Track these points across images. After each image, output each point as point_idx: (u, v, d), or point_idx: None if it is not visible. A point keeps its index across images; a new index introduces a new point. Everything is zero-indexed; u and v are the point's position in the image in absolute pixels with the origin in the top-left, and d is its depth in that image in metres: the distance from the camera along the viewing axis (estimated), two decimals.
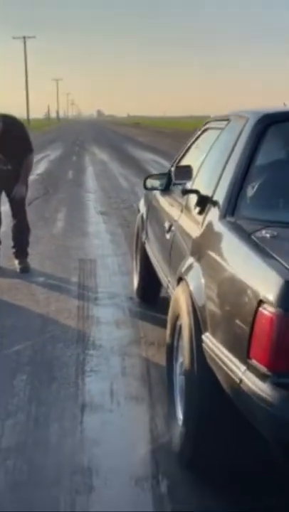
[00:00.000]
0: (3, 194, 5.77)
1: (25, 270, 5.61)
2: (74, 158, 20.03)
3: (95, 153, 21.52)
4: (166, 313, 3.03)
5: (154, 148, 25.14)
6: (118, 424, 2.91)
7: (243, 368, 1.93)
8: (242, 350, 1.94)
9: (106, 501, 2.32)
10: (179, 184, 3.26)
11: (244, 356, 1.93)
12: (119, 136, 39.59)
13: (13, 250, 5.77)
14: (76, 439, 2.75)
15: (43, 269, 5.69)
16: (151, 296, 4.64)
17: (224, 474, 2.42)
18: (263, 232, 2.22)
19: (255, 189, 2.56)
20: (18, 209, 5.72)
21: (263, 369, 1.83)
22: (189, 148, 3.90)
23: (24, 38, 70.54)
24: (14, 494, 2.35)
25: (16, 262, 5.72)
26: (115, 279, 5.43)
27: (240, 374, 1.94)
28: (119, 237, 7.21)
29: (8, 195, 5.72)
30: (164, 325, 3.16)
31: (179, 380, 2.71)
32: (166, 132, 40.48)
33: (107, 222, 8.19)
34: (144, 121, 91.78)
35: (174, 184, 3.56)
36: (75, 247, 6.66)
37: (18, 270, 5.61)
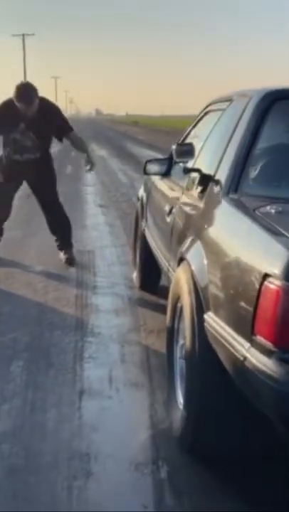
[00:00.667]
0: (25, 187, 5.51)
1: (71, 262, 5.36)
2: (73, 154, 19.89)
3: (94, 149, 21.35)
4: (166, 300, 2.96)
5: (153, 145, 25.05)
6: (117, 410, 2.83)
7: (247, 345, 1.88)
8: (246, 326, 1.88)
9: (105, 486, 2.24)
10: (181, 162, 3.19)
11: (248, 333, 1.87)
12: (117, 134, 39.48)
13: (57, 244, 5.52)
14: (74, 425, 2.67)
15: (41, 259, 5.59)
16: (151, 285, 4.56)
17: (225, 458, 2.35)
18: (267, 207, 2.19)
19: (258, 166, 2.53)
20: (52, 200, 5.44)
21: (268, 345, 1.78)
22: (192, 129, 3.86)
23: (23, 35, 70.38)
24: (11, 479, 2.27)
25: (61, 253, 5.46)
26: (114, 269, 5.35)
27: (244, 351, 1.88)
28: (118, 228, 7.13)
29: (31, 187, 5.47)
30: (163, 313, 3.08)
31: (179, 363, 2.65)
32: (164, 131, 40.36)
33: (106, 215, 8.12)
34: (143, 120, 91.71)
35: (176, 163, 3.51)
36: (73, 238, 6.56)
37: (63, 262, 5.37)
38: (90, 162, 5.49)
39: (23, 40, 69.90)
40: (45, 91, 5.32)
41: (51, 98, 5.64)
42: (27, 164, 5.26)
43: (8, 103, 5.17)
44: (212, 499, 2.18)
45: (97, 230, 7.11)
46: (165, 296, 3.88)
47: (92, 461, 2.38)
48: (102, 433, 2.61)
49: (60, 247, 5.52)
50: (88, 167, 5.52)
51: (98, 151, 21.12)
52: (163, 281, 4.38)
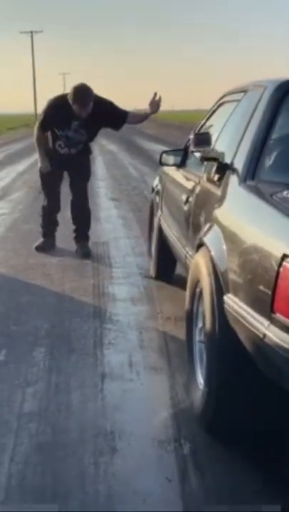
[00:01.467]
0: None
1: (87, 255, 5.44)
2: None
3: (104, 144, 21.47)
4: (182, 289, 3.04)
5: (163, 139, 25.09)
6: (138, 392, 2.93)
7: (267, 322, 1.95)
8: (265, 305, 1.96)
9: (130, 462, 2.34)
10: (198, 151, 3.31)
11: (268, 311, 1.95)
12: (126, 129, 39.29)
13: (74, 234, 5.63)
14: (98, 406, 2.76)
15: (57, 251, 5.70)
16: (166, 274, 4.66)
17: (245, 435, 2.44)
18: (284, 193, 2.30)
19: (273, 154, 2.63)
20: (81, 190, 5.59)
21: (287, 322, 1.85)
22: (207, 120, 3.95)
23: (31, 32, 70.52)
24: (39, 455, 2.37)
25: (77, 246, 5.57)
26: (129, 259, 5.45)
27: (263, 329, 1.96)
28: (131, 221, 7.23)
29: (70, 176, 5.59)
30: (180, 301, 3.17)
31: (198, 345, 2.74)
32: (174, 125, 40.38)
33: (118, 208, 8.21)
34: (152, 115, 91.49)
35: (192, 152, 3.64)
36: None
37: (79, 255, 5.47)
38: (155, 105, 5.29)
39: (32, 37, 70.12)
40: (53, 87, 5.48)
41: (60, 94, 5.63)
42: (69, 157, 5.40)
43: (62, 101, 5.24)
44: (233, 475, 2.26)
45: (111, 222, 7.21)
46: (181, 285, 4.00)
47: (116, 438, 2.48)
48: (125, 413, 2.71)
49: (77, 239, 5.65)
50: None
51: (108, 145, 21.21)
52: (178, 271, 4.50)
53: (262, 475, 2.27)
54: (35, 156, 5.82)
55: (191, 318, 2.86)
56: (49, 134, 5.40)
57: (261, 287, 2.02)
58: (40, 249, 5.60)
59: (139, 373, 3.11)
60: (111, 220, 7.37)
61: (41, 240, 5.70)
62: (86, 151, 5.55)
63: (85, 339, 3.54)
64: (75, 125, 5.25)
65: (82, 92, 5.16)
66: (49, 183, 5.60)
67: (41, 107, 5.81)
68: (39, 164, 5.56)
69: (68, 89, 5.37)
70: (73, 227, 5.69)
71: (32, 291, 4.47)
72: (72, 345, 3.46)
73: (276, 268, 1.91)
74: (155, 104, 5.30)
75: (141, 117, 5.54)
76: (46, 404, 2.78)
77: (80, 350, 3.39)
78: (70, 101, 5.14)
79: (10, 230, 6.74)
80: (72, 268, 5.11)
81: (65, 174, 5.67)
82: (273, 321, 1.92)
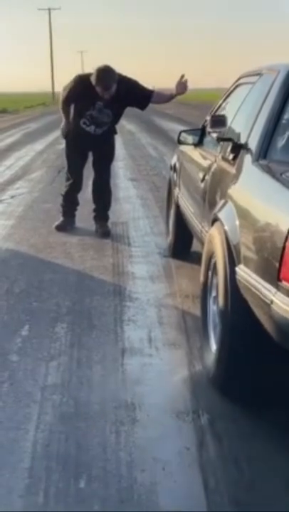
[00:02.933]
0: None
1: (106, 235, 5.50)
2: None
3: (123, 124, 21.48)
4: (200, 268, 3.16)
5: (182, 119, 25.01)
6: (158, 366, 3.03)
7: (274, 290, 2.13)
8: (273, 274, 2.15)
9: (149, 431, 2.44)
10: (214, 132, 3.51)
11: (275, 280, 2.13)
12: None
13: (94, 214, 5.70)
14: (118, 379, 2.87)
15: (77, 230, 5.78)
16: (183, 251, 4.84)
17: (255, 395, 2.61)
18: None
19: (285, 135, 2.80)
20: (104, 170, 5.64)
21: None
22: (223, 102, 4.09)
23: (49, 9, 70.18)
24: (63, 425, 2.48)
25: (97, 226, 5.63)
26: (148, 239, 5.53)
27: (271, 296, 2.14)
28: (150, 201, 7.29)
29: (94, 157, 5.61)
30: (199, 280, 3.27)
31: (212, 312, 2.95)
32: (193, 104, 40.12)
33: (137, 188, 8.27)
34: None
35: (209, 133, 3.82)
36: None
37: (98, 233, 5.54)
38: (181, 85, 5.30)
39: (49, 14, 69.79)
40: (71, 65, 5.41)
41: (78, 72, 5.68)
42: (95, 137, 5.43)
43: (85, 80, 5.26)
44: (249, 443, 2.36)
45: (130, 202, 7.28)
46: (199, 264, 4.07)
47: (136, 409, 2.58)
48: (145, 386, 2.81)
49: (97, 219, 5.73)
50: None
51: (127, 125, 21.17)
52: (196, 248, 4.57)
53: (280, 442, 2.36)
54: (53, 136, 5.93)
55: (205, 287, 3.07)
56: (73, 110, 5.44)
57: (270, 259, 2.20)
58: (60, 228, 5.70)
59: (158, 349, 3.21)
60: (130, 200, 7.44)
61: (61, 219, 5.80)
62: (111, 132, 5.56)
63: (105, 316, 3.65)
64: (99, 105, 5.28)
65: (105, 74, 5.15)
66: (74, 162, 5.66)
67: (59, 84, 5.95)
68: (62, 127, 5.62)
69: (86, 67, 5.53)
70: (93, 206, 5.78)
71: (53, 270, 4.57)
72: (93, 321, 3.56)
73: (283, 240, 2.08)
74: (182, 85, 5.29)
75: (166, 97, 5.50)
76: (69, 377, 2.89)
77: (100, 326, 3.49)
78: (93, 82, 5.16)
79: (30, 209, 6.84)
80: (92, 247, 5.20)
81: (90, 154, 5.72)
82: (280, 289, 2.10)
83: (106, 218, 5.75)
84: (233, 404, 2.62)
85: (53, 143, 13.97)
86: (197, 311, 3.53)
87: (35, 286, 4.18)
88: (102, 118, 5.36)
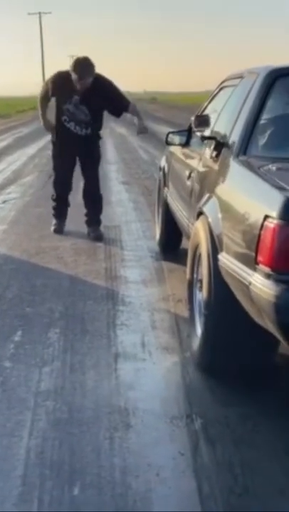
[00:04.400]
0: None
1: (98, 239, 5.54)
2: None
3: (113, 127, 21.47)
4: None
5: (172, 122, 25.05)
6: (151, 371, 3.02)
7: (252, 272, 2.33)
8: (251, 259, 2.35)
9: (143, 437, 2.44)
10: (199, 131, 3.69)
11: (252, 263, 2.33)
12: None
13: (86, 218, 5.74)
14: (112, 384, 2.86)
15: (69, 234, 5.78)
16: (172, 247, 5.06)
17: (239, 376, 2.84)
18: (270, 165, 2.68)
19: (263, 133, 3.00)
20: (93, 176, 5.70)
21: (267, 270, 2.24)
22: (209, 103, 4.26)
23: (40, 13, 70.09)
24: (56, 431, 2.48)
25: (89, 229, 5.67)
26: (140, 243, 5.53)
27: (249, 278, 2.34)
28: (142, 204, 7.30)
29: (81, 162, 5.68)
30: None
31: (198, 298, 3.14)
32: (183, 107, 40.23)
33: (129, 192, 8.28)
34: (161, 97, 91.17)
35: (194, 132, 4.01)
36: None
37: (91, 237, 5.59)
38: (143, 127, 5.69)
39: (40, 18, 69.68)
40: (62, 69, 5.59)
41: None
42: (78, 139, 5.50)
43: (64, 74, 5.43)
44: (243, 448, 2.36)
45: (122, 206, 7.28)
46: None
47: (130, 415, 2.58)
48: (138, 391, 2.80)
49: (89, 223, 5.76)
50: (139, 132, 5.76)
51: (118, 128, 21.20)
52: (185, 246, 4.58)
53: (272, 447, 2.36)
54: (45, 140, 6.04)
55: (192, 276, 3.27)
56: (54, 106, 5.55)
57: (248, 245, 2.40)
58: (57, 231, 5.79)
59: (152, 353, 3.20)
60: (122, 203, 7.44)
61: (54, 221, 5.86)
62: (95, 137, 5.62)
63: (98, 321, 3.64)
64: (75, 99, 5.38)
65: (83, 63, 5.30)
66: (60, 164, 5.74)
67: None
68: (41, 123, 5.75)
69: None
70: (85, 211, 5.81)
71: (45, 275, 4.56)
72: (86, 326, 3.56)
73: (259, 228, 2.28)
74: (143, 129, 5.73)
75: (139, 115, 5.70)
76: (62, 383, 2.88)
77: (93, 331, 3.48)
78: (71, 69, 5.31)
79: (22, 214, 6.83)
80: (85, 252, 5.19)
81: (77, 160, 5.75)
82: (257, 271, 2.31)
83: (98, 222, 5.78)
84: (227, 408, 2.62)
85: (44, 147, 13.94)
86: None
87: (27, 292, 4.17)
88: (79, 115, 5.44)
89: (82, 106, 5.40)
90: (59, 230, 5.79)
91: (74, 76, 5.28)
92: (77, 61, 5.31)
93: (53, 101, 5.60)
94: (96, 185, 5.78)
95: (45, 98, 5.59)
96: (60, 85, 5.43)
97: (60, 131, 5.55)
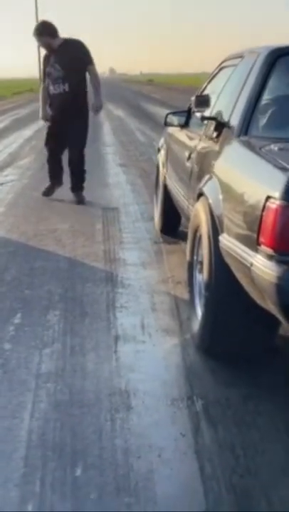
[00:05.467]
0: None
1: (81, 202, 6.23)
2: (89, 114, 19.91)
3: (110, 109, 21.37)
4: None
5: (169, 104, 24.91)
6: (151, 353, 3.02)
7: (253, 253, 2.32)
8: (252, 240, 2.34)
9: (144, 418, 2.44)
10: (199, 112, 3.66)
11: (254, 244, 2.32)
12: (133, 94, 39.16)
13: (71, 185, 6.35)
14: (112, 366, 2.86)
15: (67, 217, 5.76)
16: (170, 229, 5.06)
17: (239, 357, 2.87)
18: (272, 146, 2.65)
19: (264, 113, 2.97)
20: (78, 143, 6.19)
21: (269, 251, 2.22)
22: (208, 84, 4.22)
23: None
24: (58, 412, 2.47)
25: (73, 194, 6.32)
26: (139, 225, 5.51)
27: (251, 259, 2.33)
28: (140, 187, 7.27)
29: (69, 135, 6.18)
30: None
31: (198, 280, 3.14)
32: (180, 89, 39.97)
33: (126, 174, 8.23)
34: (158, 79, 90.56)
35: (194, 113, 4.00)
36: (97, 197, 6.72)
37: (74, 201, 6.26)
38: (98, 104, 6.34)
39: (36, 0, 68.90)
40: None
41: None
42: (60, 97, 6.07)
43: (46, 52, 6.27)
44: (244, 429, 2.36)
45: (120, 188, 7.25)
46: None
47: (131, 396, 2.58)
48: (139, 373, 2.80)
49: (73, 189, 6.36)
50: (95, 110, 6.35)
51: (115, 110, 21.10)
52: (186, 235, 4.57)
53: (274, 428, 2.37)
54: (41, 122, 6.41)
55: (192, 259, 3.26)
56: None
57: (250, 226, 2.38)
58: (46, 193, 6.45)
59: (151, 335, 3.20)
60: (120, 185, 7.41)
61: (48, 184, 6.49)
62: (77, 98, 6.05)
63: (97, 303, 3.63)
64: (52, 61, 6.10)
65: (38, 23, 6.32)
66: (50, 128, 6.35)
67: None
68: (40, 115, 6.42)
69: None
70: (69, 179, 6.39)
71: (44, 257, 4.55)
72: (86, 308, 3.55)
73: (261, 209, 2.26)
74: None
75: (96, 85, 6.31)
76: (62, 365, 2.87)
77: (93, 313, 3.48)
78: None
79: (19, 197, 6.80)
80: (83, 234, 5.17)
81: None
82: (259, 252, 2.29)
83: (81, 189, 6.35)
84: (228, 389, 2.62)
85: (42, 129, 13.83)
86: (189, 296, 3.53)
87: (26, 274, 4.16)
88: (54, 73, 6.07)
89: (55, 64, 6.06)
90: (47, 192, 6.46)
91: (34, 35, 6.12)
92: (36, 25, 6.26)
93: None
94: (78, 155, 6.25)
95: (43, 81, 6.30)
96: (44, 62, 6.23)
97: (50, 99, 6.21)
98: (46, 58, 6.20)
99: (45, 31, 6.12)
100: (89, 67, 6.10)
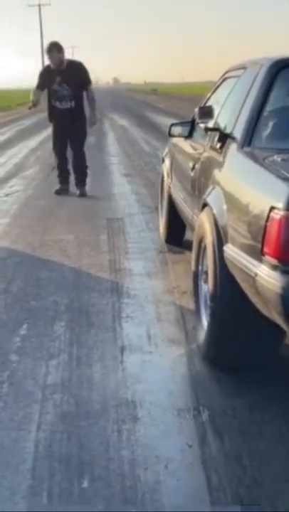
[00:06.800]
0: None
1: (83, 195, 7.24)
2: (94, 127, 19.95)
3: (115, 119, 21.44)
4: None
5: (174, 113, 24.98)
6: (158, 363, 3.02)
7: (258, 264, 2.34)
8: (257, 250, 2.35)
9: (151, 429, 2.44)
10: (202, 123, 3.68)
11: (258, 255, 2.34)
12: (137, 103, 39.31)
13: (75, 181, 7.42)
14: (118, 377, 2.87)
15: (73, 227, 5.78)
16: (175, 239, 5.08)
17: (245, 367, 2.87)
18: (275, 156, 2.68)
19: (267, 124, 3.00)
20: (79, 146, 7.32)
21: (274, 261, 2.24)
22: (212, 94, 4.26)
23: (39, 5, 69.76)
24: (64, 424, 2.48)
25: (77, 188, 7.35)
26: (144, 234, 5.53)
27: (255, 269, 2.34)
28: (145, 196, 7.28)
29: (69, 132, 7.20)
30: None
31: (203, 291, 3.15)
32: (184, 98, 40.09)
33: (131, 184, 8.26)
34: (162, 88, 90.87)
35: (197, 124, 4.01)
36: (102, 207, 6.75)
37: (77, 195, 7.21)
38: (92, 121, 7.39)
39: (40, 10, 69.37)
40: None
41: None
42: (65, 112, 7.10)
43: (47, 66, 7.33)
44: (251, 440, 2.37)
45: (125, 198, 7.27)
46: None
47: (137, 407, 2.58)
48: (145, 383, 2.81)
49: (76, 183, 7.38)
50: (90, 124, 7.35)
51: (119, 120, 21.16)
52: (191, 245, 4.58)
53: (280, 438, 2.36)
54: (46, 132, 6.92)
55: (197, 269, 3.29)
56: (48, 93, 7.18)
57: (254, 236, 2.40)
58: (58, 192, 7.39)
59: (158, 345, 3.21)
60: (125, 196, 7.42)
61: (59, 186, 7.46)
62: (79, 112, 7.15)
63: (103, 313, 3.64)
64: (58, 80, 7.04)
65: (50, 43, 7.10)
66: (56, 138, 7.41)
67: None
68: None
69: None
70: (74, 175, 7.45)
71: (50, 268, 4.56)
72: (92, 319, 3.56)
73: (265, 219, 2.28)
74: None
75: (92, 103, 7.27)
76: (69, 375, 2.88)
77: (99, 324, 3.48)
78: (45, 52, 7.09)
79: (25, 207, 6.83)
80: (88, 244, 5.19)
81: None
82: (263, 262, 2.31)
83: (83, 183, 7.37)
84: (234, 399, 2.62)
85: (46, 140, 13.90)
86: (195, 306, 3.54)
87: (32, 285, 4.18)
88: (61, 91, 7.06)
89: (63, 84, 7.03)
90: (59, 191, 7.39)
91: (48, 56, 7.01)
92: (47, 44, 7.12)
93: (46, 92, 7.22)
94: (80, 154, 7.34)
95: (38, 87, 7.29)
96: (47, 75, 7.13)
97: (53, 111, 7.22)
98: (48, 73, 7.11)
99: (61, 49, 7.07)
100: (88, 86, 7.20)
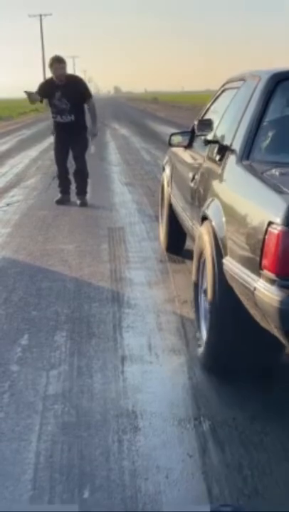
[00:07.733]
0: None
1: (84, 205, 7.32)
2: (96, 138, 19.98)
3: (116, 128, 21.50)
4: None
5: (174, 122, 25.06)
6: (158, 374, 3.03)
7: (256, 278, 2.35)
8: (255, 264, 2.37)
9: (152, 439, 2.44)
10: (201, 135, 3.70)
11: (257, 269, 2.35)
12: (138, 112, 39.45)
13: (76, 190, 7.50)
14: (119, 387, 2.87)
15: (74, 237, 5.80)
16: (176, 248, 5.09)
17: (245, 378, 2.87)
18: (273, 170, 2.67)
19: (266, 137, 3.00)
20: (80, 155, 7.46)
21: (272, 276, 2.26)
22: (211, 106, 4.28)
23: (40, 15, 70.12)
24: (65, 434, 2.48)
25: (77, 197, 7.43)
26: (144, 244, 5.54)
27: (254, 283, 2.36)
28: (145, 206, 7.30)
29: (70, 144, 7.38)
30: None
31: (203, 303, 3.16)
32: (184, 107, 40.21)
33: (132, 193, 8.28)
34: (162, 97, 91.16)
35: (197, 136, 4.03)
36: (102, 216, 6.77)
37: (78, 204, 7.31)
38: (93, 133, 7.60)
39: (41, 20, 69.73)
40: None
41: None
42: (66, 125, 7.26)
43: (48, 79, 7.48)
44: (252, 450, 2.37)
45: (125, 207, 7.29)
46: None
47: (138, 417, 2.59)
48: (146, 393, 2.81)
49: (77, 193, 7.45)
50: (91, 137, 7.56)
51: (120, 129, 21.22)
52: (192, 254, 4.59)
53: (281, 448, 2.36)
54: (47, 142, 6.90)
55: (197, 281, 3.30)
56: (49, 107, 7.45)
57: (252, 250, 2.41)
58: (59, 202, 7.46)
59: (158, 356, 3.21)
60: (126, 205, 7.44)
61: (60, 195, 7.56)
62: (80, 125, 7.28)
63: (104, 323, 3.65)
64: (58, 95, 7.18)
65: (52, 58, 7.30)
66: (56, 151, 7.60)
67: None
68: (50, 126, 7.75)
69: (78, 73, 7.47)
70: (75, 185, 7.56)
71: (51, 277, 4.57)
72: (92, 329, 3.57)
73: (263, 233, 2.29)
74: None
75: (93, 115, 7.43)
76: (70, 386, 2.89)
77: (100, 334, 3.49)
78: (48, 65, 7.31)
79: (26, 217, 6.84)
80: (89, 254, 5.20)
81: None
82: (261, 276, 2.32)
83: (84, 193, 7.46)
84: (235, 409, 2.62)
85: (47, 149, 13.96)
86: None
87: (33, 295, 4.18)
88: (61, 105, 7.20)
89: (63, 99, 7.18)
90: (60, 201, 7.48)
91: (51, 70, 7.21)
92: (51, 58, 7.30)
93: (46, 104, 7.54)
94: (81, 165, 7.47)
95: (37, 93, 7.44)
96: (47, 87, 7.33)
97: (55, 124, 7.40)
98: (49, 87, 7.30)
99: (63, 62, 7.30)
100: (88, 100, 7.34)
